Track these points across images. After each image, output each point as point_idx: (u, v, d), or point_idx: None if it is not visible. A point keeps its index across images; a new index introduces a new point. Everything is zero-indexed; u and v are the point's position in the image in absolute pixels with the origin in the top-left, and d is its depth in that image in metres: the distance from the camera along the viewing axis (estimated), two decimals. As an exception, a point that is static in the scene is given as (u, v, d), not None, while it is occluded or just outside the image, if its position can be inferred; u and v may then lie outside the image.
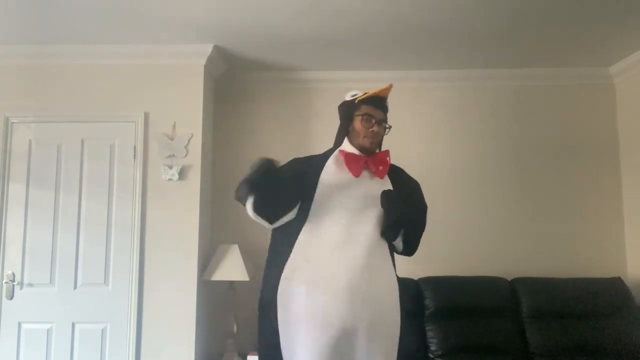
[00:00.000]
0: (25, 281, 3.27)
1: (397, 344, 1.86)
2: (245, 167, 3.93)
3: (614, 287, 3.34)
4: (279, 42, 3.33)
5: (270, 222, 1.92)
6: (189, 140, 3.37)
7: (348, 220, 1.85)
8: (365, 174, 1.94)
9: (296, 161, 2.02)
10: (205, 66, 3.45)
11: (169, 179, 3.32)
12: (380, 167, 1.94)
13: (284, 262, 1.86)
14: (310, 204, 1.88)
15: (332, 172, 1.92)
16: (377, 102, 1.93)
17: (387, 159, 1.98)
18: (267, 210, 1.88)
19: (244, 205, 1.91)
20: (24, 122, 3.39)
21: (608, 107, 3.84)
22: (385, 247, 1.91)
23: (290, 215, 1.91)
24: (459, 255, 3.68)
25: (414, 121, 3.84)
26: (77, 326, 3.23)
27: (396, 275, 1.96)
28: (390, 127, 2.02)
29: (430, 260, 3.64)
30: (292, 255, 1.86)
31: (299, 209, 1.90)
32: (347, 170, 1.91)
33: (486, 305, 3.29)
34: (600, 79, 3.84)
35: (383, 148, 2.05)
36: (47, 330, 3.23)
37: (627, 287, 3.37)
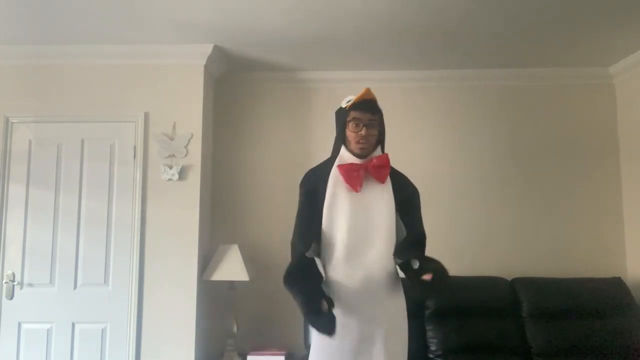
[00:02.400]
0: (25, 281, 3.27)
1: (407, 349, 1.95)
2: (245, 167, 3.94)
3: (614, 287, 3.34)
4: (279, 42, 3.33)
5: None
6: (189, 140, 3.37)
7: (355, 233, 1.91)
8: (366, 182, 1.96)
9: (307, 194, 2.03)
10: (205, 66, 3.45)
11: (169, 179, 3.32)
12: (380, 171, 1.97)
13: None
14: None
15: (333, 187, 1.97)
16: (364, 105, 1.96)
17: (386, 161, 2.01)
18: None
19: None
20: (24, 122, 3.39)
21: (608, 107, 3.84)
22: (392, 259, 1.96)
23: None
24: (459, 255, 3.67)
25: (414, 121, 3.84)
26: (77, 326, 3.24)
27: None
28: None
29: (430, 260, 3.65)
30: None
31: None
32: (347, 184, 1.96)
33: (486, 305, 3.29)
34: (600, 79, 3.84)
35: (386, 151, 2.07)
36: (47, 330, 3.23)
37: (627, 287, 3.37)
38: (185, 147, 3.36)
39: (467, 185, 3.77)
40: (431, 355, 3.19)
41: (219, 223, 3.73)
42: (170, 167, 3.32)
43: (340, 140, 2.03)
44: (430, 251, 3.71)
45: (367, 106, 1.96)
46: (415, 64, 3.73)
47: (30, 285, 3.27)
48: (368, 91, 1.94)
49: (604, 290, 3.32)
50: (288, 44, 3.35)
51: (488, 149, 3.81)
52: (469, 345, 3.17)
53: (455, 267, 3.57)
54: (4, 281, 3.25)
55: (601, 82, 3.85)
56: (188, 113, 3.40)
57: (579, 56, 3.59)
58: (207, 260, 3.45)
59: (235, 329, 3.36)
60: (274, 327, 3.60)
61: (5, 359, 3.18)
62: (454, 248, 3.69)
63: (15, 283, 3.26)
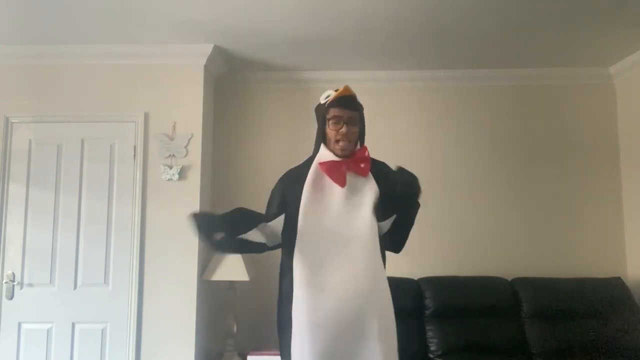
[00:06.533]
0: (25, 281, 3.27)
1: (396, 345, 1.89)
2: (245, 167, 3.93)
3: (614, 287, 3.34)
4: (279, 42, 3.33)
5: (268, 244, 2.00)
6: (189, 140, 3.37)
7: (338, 226, 1.87)
8: (347, 176, 1.92)
9: (281, 185, 2.03)
10: (205, 66, 3.45)
11: (169, 179, 3.32)
12: (362, 165, 1.93)
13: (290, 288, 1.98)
14: (297, 220, 1.91)
15: (312, 184, 1.92)
16: (344, 102, 1.90)
17: (366, 154, 1.96)
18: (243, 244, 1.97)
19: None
20: (24, 122, 3.39)
21: (608, 107, 3.84)
22: (377, 249, 1.90)
23: (277, 225, 1.97)
24: (459, 255, 3.68)
25: (414, 121, 3.84)
26: (77, 326, 3.23)
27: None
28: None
29: (430, 260, 3.65)
30: (294, 272, 1.94)
31: (289, 230, 1.93)
32: (327, 179, 1.91)
33: (486, 305, 3.29)
34: (600, 79, 3.85)
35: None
36: (47, 330, 3.23)
37: (627, 287, 3.37)
38: (185, 147, 3.36)
39: (467, 185, 3.77)
40: (431, 355, 3.19)
41: (219, 223, 3.72)
42: (170, 167, 3.32)
43: (320, 138, 1.98)
44: (430, 250, 3.72)
45: (348, 103, 1.90)
46: (414, 64, 3.72)
47: (30, 285, 3.27)
48: (347, 88, 1.89)
49: (604, 290, 3.31)
50: (288, 44, 3.35)
51: (488, 149, 3.81)
52: (469, 345, 3.17)
53: (455, 267, 3.60)
54: (4, 281, 3.25)
55: (601, 82, 3.85)
56: (188, 113, 3.40)
57: (579, 56, 3.59)
58: (207, 260, 3.45)
59: (235, 329, 3.36)
60: (274, 327, 3.58)
61: (5, 359, 3.18)
62: (454, 248, 3.69)
63: (15, 283, 3.26)
